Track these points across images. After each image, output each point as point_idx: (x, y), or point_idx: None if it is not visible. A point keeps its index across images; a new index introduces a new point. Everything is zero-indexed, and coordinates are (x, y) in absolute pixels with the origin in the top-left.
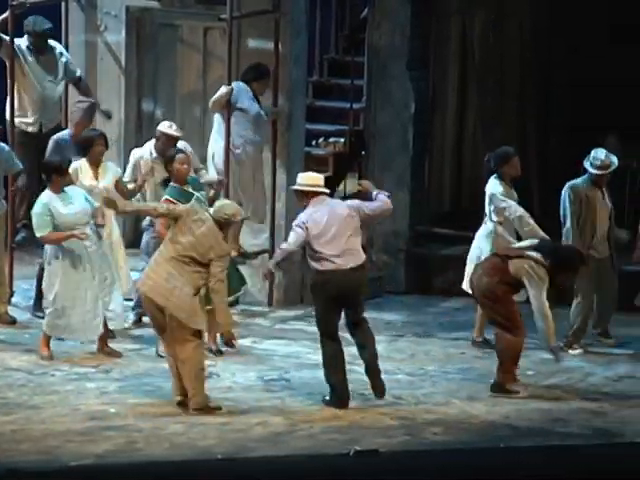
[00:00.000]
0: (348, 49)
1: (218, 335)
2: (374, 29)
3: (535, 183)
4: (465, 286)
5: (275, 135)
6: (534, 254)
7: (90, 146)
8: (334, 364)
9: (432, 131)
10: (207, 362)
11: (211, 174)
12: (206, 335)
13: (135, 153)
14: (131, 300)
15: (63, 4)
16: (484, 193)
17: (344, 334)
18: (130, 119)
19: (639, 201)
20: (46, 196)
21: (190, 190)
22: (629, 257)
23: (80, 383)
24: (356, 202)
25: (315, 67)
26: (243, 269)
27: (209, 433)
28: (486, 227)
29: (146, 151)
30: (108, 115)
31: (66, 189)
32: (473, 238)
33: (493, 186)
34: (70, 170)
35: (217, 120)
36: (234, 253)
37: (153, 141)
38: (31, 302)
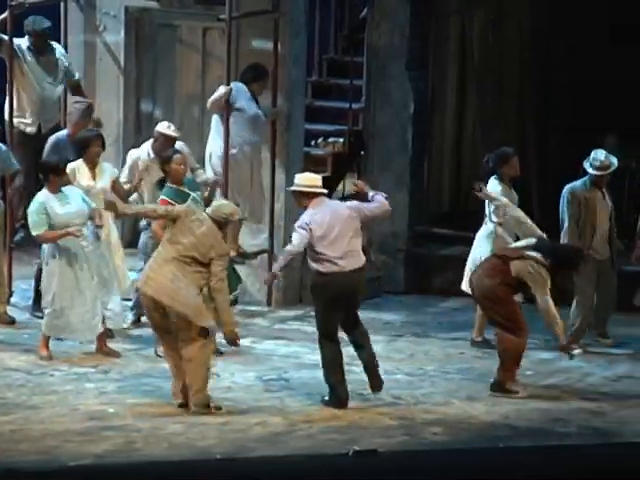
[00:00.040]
0: (347, 49)
1: (217, 335)
2: (373, 29)
3: (534, 183)
4: (464, 286)
5: (274, 135)
6: (534, 254)
7: (87, 147)
8: (333, 364)
9: (431, 131)
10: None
11: (209, 174)
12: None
13: (132, 154)
14: (129, 300)
15: (62, 4)
16: None
17: (341, 334)
18: (129, 119)
19: (638, 201)
20: (43, 195)
21: (186, 190)
22: (628, 257)
23: (79, 383)
24: (355, 203)
25: (314, 67)
26: (242, 269)
27: (208, 433)
28: (486, 228)
29: (143, 151)
30: (98, 124)
31: (64, 189)
32: (472, 238)
33: (492, 186)
34: (67, 170)
35: (215, 120)
36: (233, 253)
37: (150, 141)
38: (30, 302)
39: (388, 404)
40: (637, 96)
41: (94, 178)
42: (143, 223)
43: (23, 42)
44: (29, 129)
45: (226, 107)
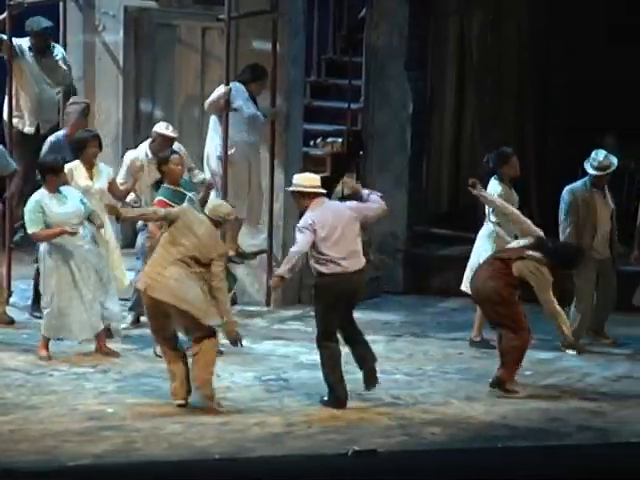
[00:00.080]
0: (346, 49)
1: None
2: (372, 29)
3: (533, 183)
4: (464, 287)
5: (273, 135)
6: (535, 254)
7: (84, 147)
8: (332, 364)
9: (430, 131)
10: None
11: (206, 175)
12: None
13: (129, 155)
14: (127, 300)
15: (61, 4)
16: None
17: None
18: (128, 119)
19: (637, 201)
20: (39, 194)
21: (183, 191)
22: (628, 257)
23: (78, 383)
24: (355, 203)
25: (313, 67)
26: (241, 269)
27: (207, 433)
28: (487, 227)
29: (141, 152)
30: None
31: (62, 189)
32: (471, 238)
33: (493, 187)
34: (65, 171)
35: (213, 121)
36: (232, 253)
37: (148, 142)
38: (29, 302)
39: (387, 404)
40: (636, 96)
41: (91, 178)
42: (140, 224)
43: (24, 42)
44: (27, 129)
45: (225, 107)
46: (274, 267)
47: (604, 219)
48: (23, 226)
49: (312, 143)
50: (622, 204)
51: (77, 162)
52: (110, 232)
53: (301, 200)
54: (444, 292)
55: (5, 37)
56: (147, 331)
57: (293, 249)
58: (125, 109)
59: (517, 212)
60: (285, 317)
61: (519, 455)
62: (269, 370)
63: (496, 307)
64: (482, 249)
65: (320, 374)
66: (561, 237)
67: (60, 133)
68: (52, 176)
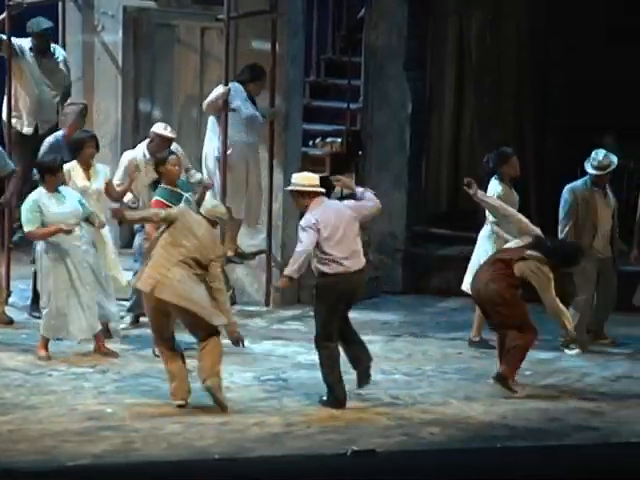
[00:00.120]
0: (345, 49)
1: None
2: (371, 29)
3: (532, 183)
4: (465, 287)
5: (272, 135)
6: (535, 253)
7: (81, 148)
8: (331, 364)
9: (429, 131)
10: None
11: (204, 175)
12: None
13: (127, 155)
14: (125, 300)
15: (60, 4)
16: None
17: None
18: (127, 119)
19: (636, 200)
20: (37, 193)
21: (180, 191)
22: (628, 256)
23: (77, 383)
24: (354, 203)
25: (312, 67)
26: (240, 269)
27: (206, 433)
28: (487, 228)
29: (139, 152)
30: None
31: (60, 189)
32: (470, 238)
33: (493, 187)
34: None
35: (211, 121)
36: (231, 253)
37: (146, 142)
38: (28, 302)
39: (386, 404)
40: (635, 96)
41: (89, 179)
42: (138, 225)
43: (25, 43)
44: (26, 130)
45: (224, 108)
46: (273, 267)
47: (604, 218)
48: (22, 226)
49: (311, 143)
50: (621, 203)
51: (74, 163)
52: (108, 233)
53: (300, 199)
54: (443, 292)
55: (5, 37)
56: (146, 331)
57: (298, 249)
58: (124, 109)
59: (515, 212)
60: (284, 317)
61: (518, 455)
62: (268, 370)
63: (498, 308)
64: (482, 250)
65: (319, 374)
66: (560, 236)
67: (59, 134)
68: (50, 176)
